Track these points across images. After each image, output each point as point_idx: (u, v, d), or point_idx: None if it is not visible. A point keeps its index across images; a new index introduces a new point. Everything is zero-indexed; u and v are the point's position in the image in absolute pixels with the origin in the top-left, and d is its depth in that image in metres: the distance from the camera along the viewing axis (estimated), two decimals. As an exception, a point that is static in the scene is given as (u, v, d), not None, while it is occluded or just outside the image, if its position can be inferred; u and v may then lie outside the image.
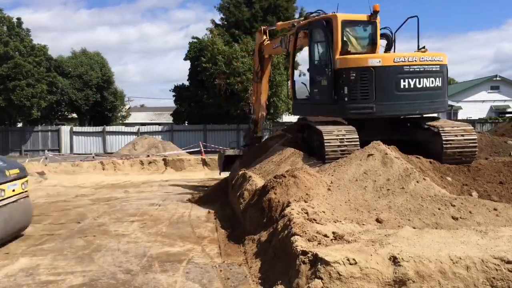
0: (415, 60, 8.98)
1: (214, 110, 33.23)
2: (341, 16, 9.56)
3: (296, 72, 40.19)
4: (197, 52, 34.02)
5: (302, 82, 11.33)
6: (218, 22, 37.65)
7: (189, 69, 35.83)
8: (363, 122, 9.34)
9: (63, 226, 9.19)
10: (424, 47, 9.49)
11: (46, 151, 30.06)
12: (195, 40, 35.49)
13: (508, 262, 4.38)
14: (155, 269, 6.23)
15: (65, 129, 34.88)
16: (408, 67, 8.94)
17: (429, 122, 9.51)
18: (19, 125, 37.05)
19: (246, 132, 16.55)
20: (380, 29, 10.02)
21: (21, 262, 6.70)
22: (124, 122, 45.90)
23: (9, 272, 6.21)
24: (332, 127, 9.13)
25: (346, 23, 9.63)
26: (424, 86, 9.05)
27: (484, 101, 46.63)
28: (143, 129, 35.75)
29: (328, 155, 8.73)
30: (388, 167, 7.67)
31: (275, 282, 5.11)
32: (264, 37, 14.01)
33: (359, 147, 8.62)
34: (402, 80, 8.89)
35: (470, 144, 8.87)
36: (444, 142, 8.80)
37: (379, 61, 8.89)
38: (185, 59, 35.93)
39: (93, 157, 25.14)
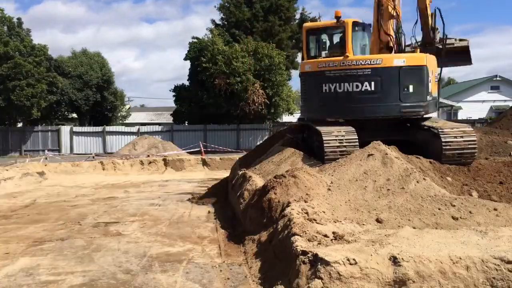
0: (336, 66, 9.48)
1: (214, 110, 33.25)
2: (306, 26, 10.76)
3: (296, 72, 40.47)
4: (197, 52, 34.03)
5: None
6: (218, 22, 37.70)
7: (189, 69, 35.84)
8: (362, 122, 9.38)
9: (63, 226, 9.19)
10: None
11: (46, 151, 30.07)
12: (195, 40, 35.50)
13: (508, 262, 4.38)
14: (155, 269, 6.23)
15: (65, 129, 34.89)
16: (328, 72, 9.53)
17: (429, 123, 9.48)
18: (19, 125, 37.06)
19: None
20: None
21: (21, 262, 6.69)
22: (124, 122, 45.88)
23: (9, 272, 6.21)
24: (331, 127, 9.17)
25: (311, 31, 10.49)
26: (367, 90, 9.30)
27: (484, 101, 46.63)
28: (143, 129, 35.75)
29: (327, 156, 8.77)
30: (388, 167, 7.67)
31: (275, 282, 5.10)
32: None
33: (358, 148, 8.63)
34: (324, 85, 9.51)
35: (470, 146, 8.82)
36: (443, 143, 8.79)
37: (309, 67, 9.77)
38: (185, 59, 35.94)
39: (93, 157, 25.14)
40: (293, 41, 36.31)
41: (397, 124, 9.80)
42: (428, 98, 9.68)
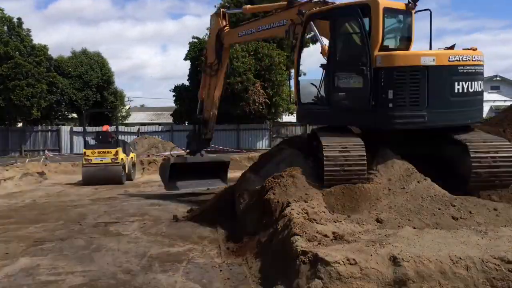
0: (469, 60, 7.64)
1: (214, 110, 33.18)
2: (383, 3, 7.90)
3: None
4: (197, 52, 34.01)
5: (311, 83, 9.63)
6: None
7: (189, 69, 35.82)
8: (381, 134, 8.08)
9: (63, 226, 9.19)
10: (454, 45, 8.07)
11: (46, 151, 30.04)
12: (195, 40, 35.50)
13: (508, 262, 4.38)
14: (155, 269, 6.23)
15: (65, 129, 34.89)
16: (462, 67, 7.64)
17: (458, 134, 7.83)
18: (19, 125, 37.06)
19: (190, 137, 13.61)
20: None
21: (21, 262, 6.69)
22: (124, 122, 45.86)
23: (9, 272, 6.21)
24: (336, 139, 7.68)
25: (387, 11, 8.01)
26: (475, 90, 7.80)
27: (484, 101, 46.57)
28: (143, 129, 35.74)
29: (328, 179, 7.35)
30: (389, 167, 7.65)
31: (275, 282, 5.11)
32: (224, 22, 11.93)
33: (365, 168, 7.39)
34: (456, 83, 7.60)
35: (507, 164, 7.24)
36: (472, 159, 7.22)
37: (433, 60, 7.53)
38: (185, 59, 35.92)
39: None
40: (293, 41, 36.23)
41: (420, 136, 8.09)
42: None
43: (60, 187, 16.06)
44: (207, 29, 37.19)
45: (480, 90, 7.96)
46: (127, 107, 52.21)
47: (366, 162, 7.37)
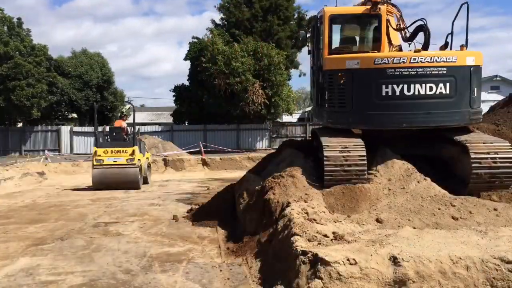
0: (404, 62, 7.40)
1: (214, 110, 33.24)
2: (329, 10, 8.36)
3: (296, 72, 40.26)
4: (197, 52, 34.04)
5: None
6: (218, 22, 37.70)
7: (189, 69, 35.83)
8: (380, 135, 8.10)
9: (63, 226, 9.19)
10: (447, 44, 7.85)
11: (46, 151, 30.03)
12: (195, 40, 35.53)
13: (508, 262, 4.38)
14: (155, 269, 6.23)
15: (65, 129, 34.87)
16: (392, 70, 7.42)
17: (458, 135, 7.69)
18: (19, 125, 37.03)
19: None
20: (415, 21, 8.41)
21: (21, 262, 6.69)
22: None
23: (9, 272, 6.21)
24: (336, 140, 7.65)
25: (337, 18, 8.48)
26: (422, 93, 7.46)
27: (484, 101, 46.49)
28: (143, 129, 35.73)
29: (328, 179, 7.35)
30: (389, 167, 7.66)
31: (275, 282, 5.10)
32: None
33: (365, 170, 7.37)
34: (384, 86, 7.45)
35: (507, 165, 7.17)
36: (472, 160, 7.16)
37: (358, 63, 7.61)
38: (185, 59, 35.97)
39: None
40: (292, 40, 36.29)
41: (419, 137, 8.18)
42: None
43: (60, 187, 16.04)
44: (207, 29, 37.36)
45: (439, 92, 7.47)
46: (127, 107, 52.18)
47: (366, 162, 7.36)
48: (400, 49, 8.93)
